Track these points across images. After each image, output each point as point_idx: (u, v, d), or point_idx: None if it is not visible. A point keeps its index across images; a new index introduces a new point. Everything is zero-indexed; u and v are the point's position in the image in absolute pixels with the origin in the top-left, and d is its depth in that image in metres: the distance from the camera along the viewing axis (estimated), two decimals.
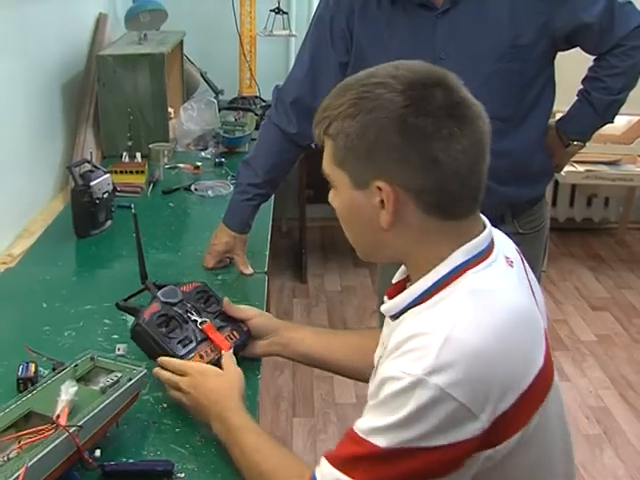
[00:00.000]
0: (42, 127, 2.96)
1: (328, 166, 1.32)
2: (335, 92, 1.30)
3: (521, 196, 2.20)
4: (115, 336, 1.95)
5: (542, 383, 1.28)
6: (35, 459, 1.29)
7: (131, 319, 2.01)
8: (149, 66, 3.29)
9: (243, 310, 1.84)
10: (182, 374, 1.61)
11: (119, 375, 1.53)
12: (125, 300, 1.90)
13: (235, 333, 1.79)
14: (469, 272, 1.27)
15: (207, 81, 4.38)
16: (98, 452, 1.45)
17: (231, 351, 1.72)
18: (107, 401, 1.46)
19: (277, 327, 1.82)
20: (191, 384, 1.58)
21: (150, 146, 3.32)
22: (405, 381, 1.17)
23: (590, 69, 2.20)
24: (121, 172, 3.03)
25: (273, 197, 2.53)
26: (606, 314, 4.40)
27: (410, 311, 1.31)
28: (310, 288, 4.70)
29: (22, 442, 1.34)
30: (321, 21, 2.19)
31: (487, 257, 1.30)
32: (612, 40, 2.09)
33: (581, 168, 4.55)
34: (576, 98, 2.25)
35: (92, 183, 2.51)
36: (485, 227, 1.34)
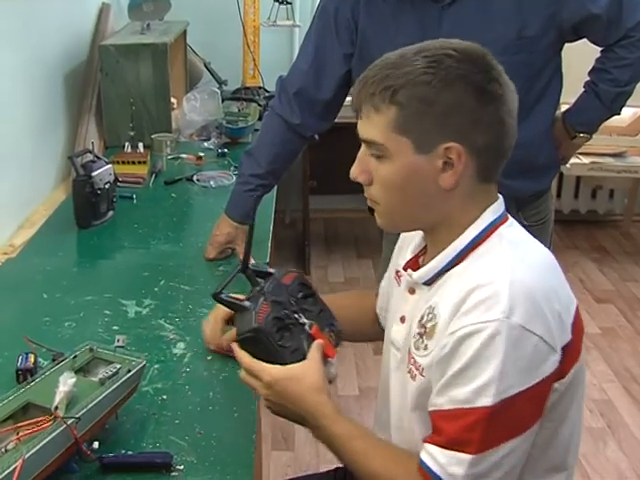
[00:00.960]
0: (44, 117, 2.95)
1: (384, 134, 1.33)
2: (385, 64, 1.34)
3: (527, 189, 2.18)
4: (115, 327, 1.94)
5: (580, 320, 1.38)
6: (32, 451, 1.28)
7: (132, 309, 2.01)
8: (152, 56, 3.28)
9: None
10: (256, 376, 1.48)
11: (118, 366, 1.52)
12: (221, 290, 1.60)
13: (332, 334, 1.64)
14: (501, 228, 1.38)
15: (210, 71, 4.36)
16: (96, 444, 1.44)
17: (334, 360, 1.58)
18: (106, 392, 1.45)
19: None
20: (271, 393, 1.46)
21: (152, 136, 3.31)
22: (488, 329, 1.23)
23: (597, 60, 2.18)
24: (123, 162, 3.02)
25: (276, 188, 2.52)
26: (610, 307, 4.39)
27: (449, 273, 1.38)
28: (313, 279, 4.68)
29: (20, 434, 1.34)
30: (326, 12, 2.17)
31: (509, 218, 1.42)
32: (620, 31, 2.07)
33: (586, 160, 4.53)
34: (582, 90, 2.23)
35: (94, 173, 2.50)
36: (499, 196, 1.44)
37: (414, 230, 1.52)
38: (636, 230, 5.36)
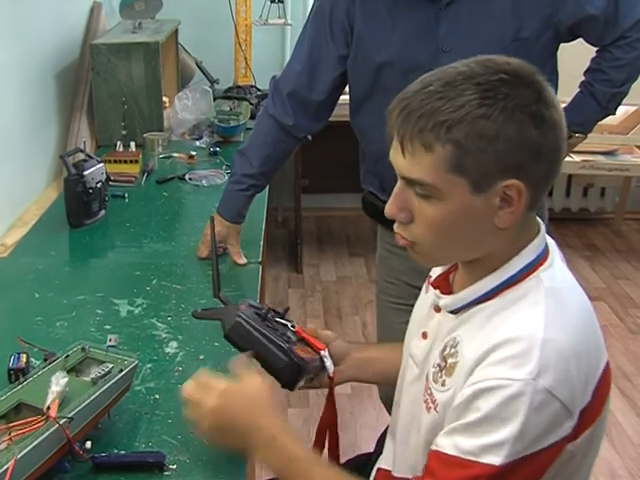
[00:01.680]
0: (36, 116, 2.94)
1: (436, 174, 1.21)
2: (430, 93, 1.21)
3: None
4: (107, 326, 1.93)
5: (608, 374, 1.32)
6: (25, 451, 1.28)
7: (124, 309, 2.01)
8: (144, 55, 3.27)
9: (323, 334, 1.69)
10: (210, 386, 1.41)
11: (110, 366, 1.51)
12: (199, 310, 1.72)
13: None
14: (540, 270, 1.28)
15: (202, 70, 4.36)
16: (89, 444, 1.44)
17: (327, 351, 1.62)
18: (98, 392, 1.45)
19: (351, 350, 1.71)
20: (222, 404, 1.38)
21: (144, 135, 3.31)
22: (512, 388, 1.16)
23: (593, 60, 2.18)
24: (115, 161, 3.02)
25: (268, 186, 2.52)
26: (602, 304, 4.39)
27: (478, 307, 1.30)
28: (305, 278, 4.69)
29: (12, 434, 1.34)
30: (320, 12, 2.16)
31: (549, 254, 1.32)
32: (616, 32, 2.08)
33: (577, 158, 4.54)
34: (578, 89, 2.23)
35: (85, 172, 2.49)
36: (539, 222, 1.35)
37: (448, 264, 1.43)
38: (627, 228, 5.37)
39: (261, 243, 2.45)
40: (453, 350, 1.30)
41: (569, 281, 1.33)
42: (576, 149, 4.23)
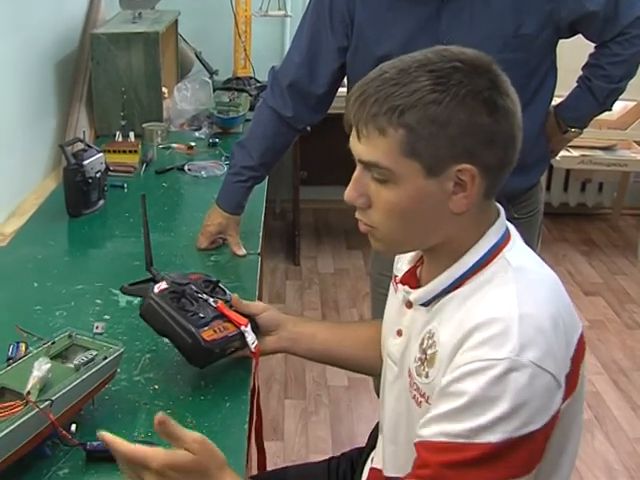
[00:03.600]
0: (35, 106, 2.94)
1: (390, 158, 1.23)
2: (385, 80, 1.24)
3: (518, 184, 2.17)
4: (106, 316, 1.93)
5: (583, 343, 1.32)
6: (1, 434, 1.29)
7: (123, 299, 2.02)
8: (143, 45, 3.27)
9: (252, 305, 1.77)
10: (143, 464, 1.16)
11: (94, 353, 1.52)
12: (130, 285, 1.81)
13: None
14: (504, 251, 1.30)
15: (202, 61, 4.35)
16: (73, 427, 1.45)
17: (249, 326, 1.68)
18: (80, 379, 1.45)
19: (285, 321, 1.76)
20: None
21: (144, 126, 3.30)
22: (497, 368, 1.15)
23: (591, 56, 2.19)
24: (114, 151, 3.01)
25: (267, 178, 2.52)
26: (599, 299, 4.41)
27: (449, 296, 1.32)
28: (303, 270, 4.69)
29: None
30: (320, 3, 2.15)
31: (510, 236, 1.34)
32: (616, 28, 2.08)
33: (576, 153, 4.55)
34: (576, 84, 2.23)
35: (85, 162, 2.49)
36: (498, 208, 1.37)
37: (407, 252, 1.46)
38: (625, 223, 5.38)
39: (260, 234, 2.45)
40: (431, 342, 1.31)
41: (533, 259, 1.35)
42: (574, 144, 4.27)
